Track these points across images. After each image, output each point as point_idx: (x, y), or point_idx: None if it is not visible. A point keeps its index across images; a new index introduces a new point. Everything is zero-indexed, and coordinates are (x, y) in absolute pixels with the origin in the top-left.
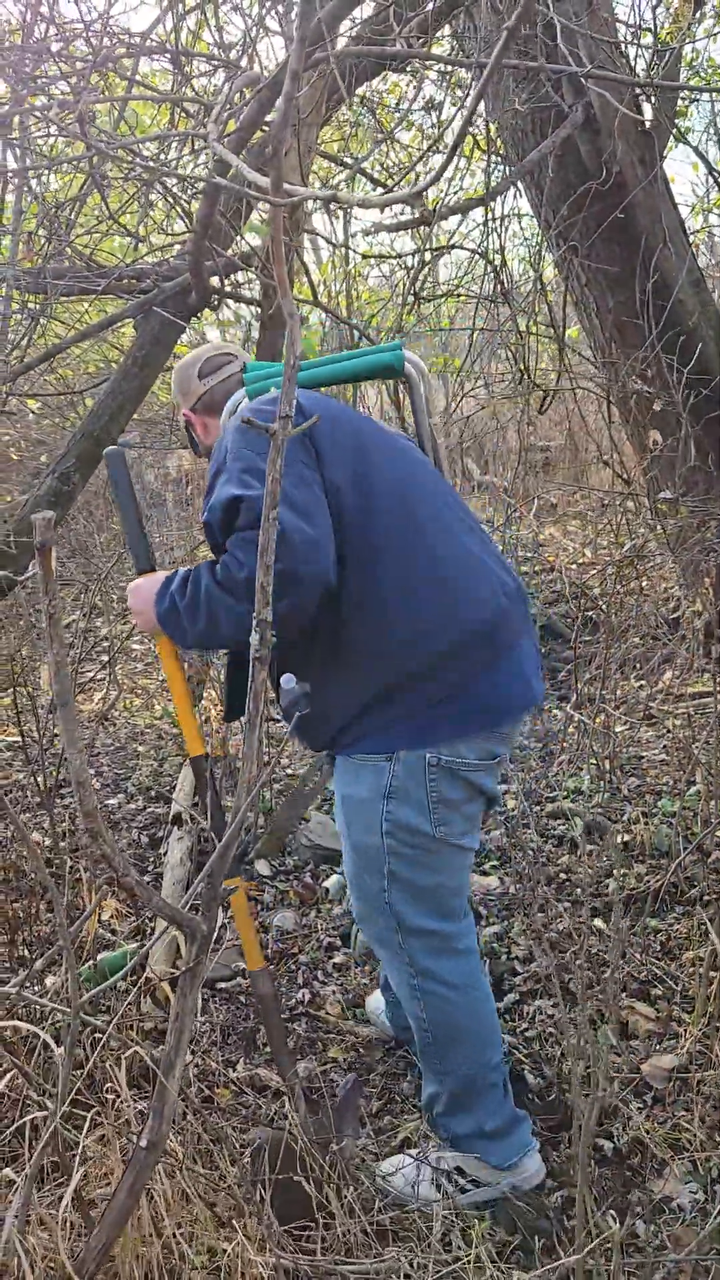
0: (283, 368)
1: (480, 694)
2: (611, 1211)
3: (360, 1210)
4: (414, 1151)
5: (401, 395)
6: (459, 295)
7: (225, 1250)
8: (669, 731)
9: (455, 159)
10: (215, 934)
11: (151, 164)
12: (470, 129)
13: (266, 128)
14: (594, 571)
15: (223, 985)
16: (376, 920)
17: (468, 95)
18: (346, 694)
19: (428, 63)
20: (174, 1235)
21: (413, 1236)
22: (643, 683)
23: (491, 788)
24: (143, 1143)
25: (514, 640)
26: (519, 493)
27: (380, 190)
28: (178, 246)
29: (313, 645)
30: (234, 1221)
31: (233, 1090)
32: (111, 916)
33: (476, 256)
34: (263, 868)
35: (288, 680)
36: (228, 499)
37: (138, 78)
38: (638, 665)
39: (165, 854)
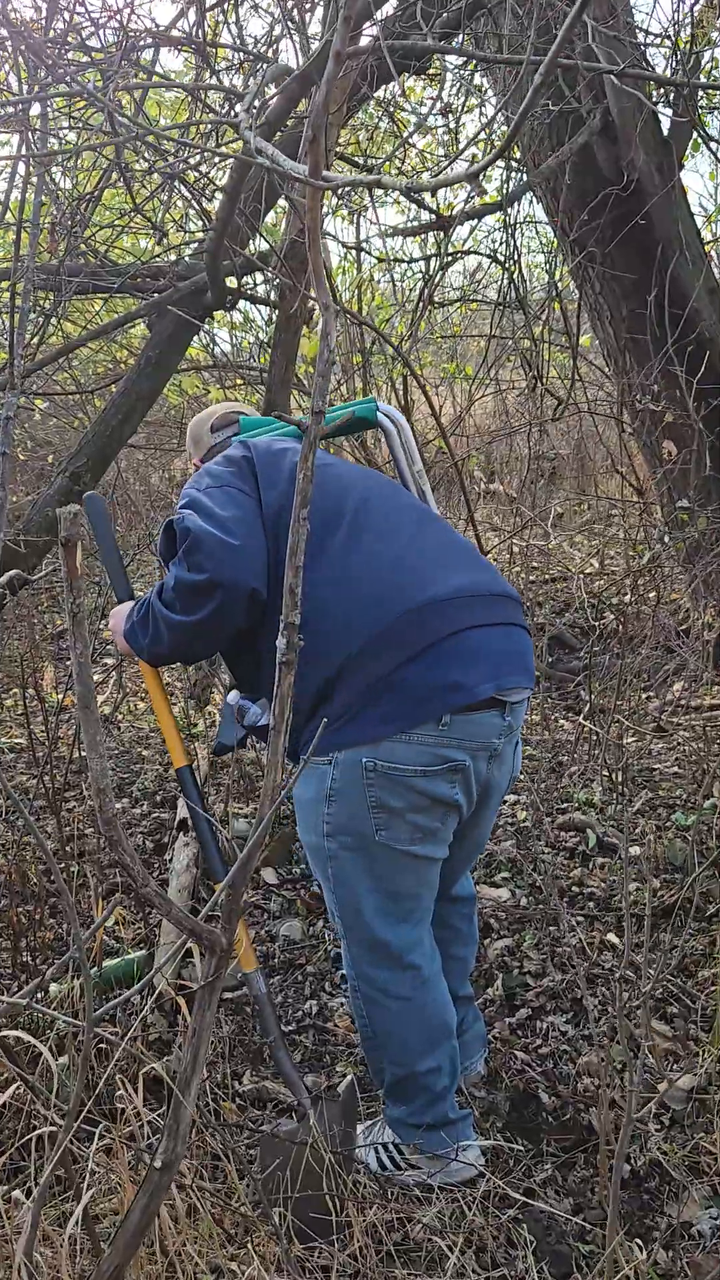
0: (275, 423)
1: (408, 690)
2: (637, 1240)
3: (383, 1230)
4: (375, 1121)
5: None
6: (473, 301)
7: (234, 1270)
8: (680, 744)
9: (509, 148)
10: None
11: (172, 156)
12: (496, 120)
13: (289, 124)
14: (602, 581)
15: (229, 996)
16: (338, 920)
17: (484, 99)
18: (314, 665)
19: (447, 67)
20: (180, 1253)
21: (423, 1259)
22: (651, 694)
23: (447, 794)
24: (156, 1163)
25: (468, 624)
26: (528, 501)
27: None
28: (194, 246)
29: (262, 659)
30: (246, 1240)
31: (240, 1104)
32: (116, 923)
33: (490, 262)
34: (269, 876)
35: (233, 698)
36: (164, 526)
37: (158, 73)
38: (647, 677)
39: (170, 860)
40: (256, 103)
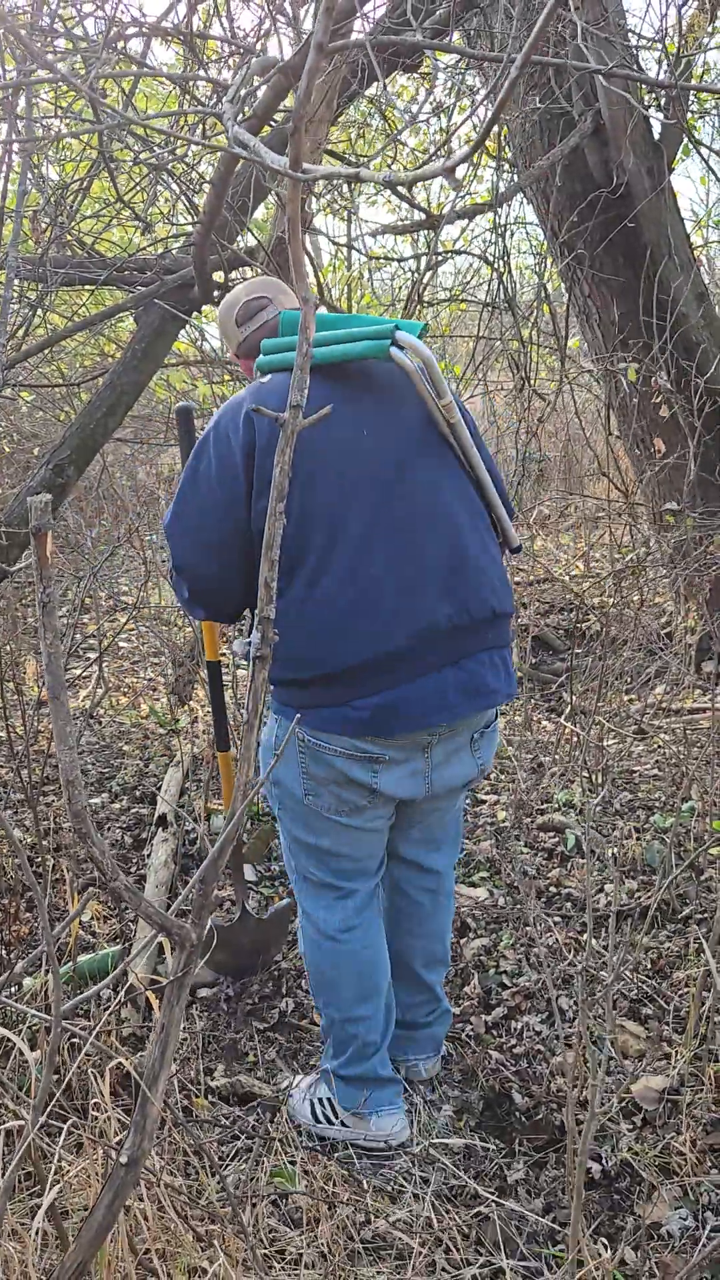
0: (323, 319)
1: (353, 714)
2: (603, 1239)
3: (353, 1227)
4: (308, 1077)
5: None
6: (462, 300)
7: (205, 1268)
8: (660, 747)
9: (485, 140)
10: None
11: (159, 147)
12: (498, 121)
13: (278, 119)
14: (588, 583)
15: (204, 993)
16: (285, 854)
17: (481, 98)
18: (274, 666)
19: (439, 66)
20: (150, 1251)
21: (393, 1256)
22: (633, 696)
23: (365, 779)
24: (123, 1159)
25: (412, 675)
26: (514, 502)
27: (390, 193)
28: (181, 239)
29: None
30: (214, 1239)
31: (212, 1101)
32: (92, 918)
33: (480, 262)
34: (249, 873)
35: (239, 646)
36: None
37: (143, 64)
38: (629, 679)
39: (149, 855)
40: (243, 93)
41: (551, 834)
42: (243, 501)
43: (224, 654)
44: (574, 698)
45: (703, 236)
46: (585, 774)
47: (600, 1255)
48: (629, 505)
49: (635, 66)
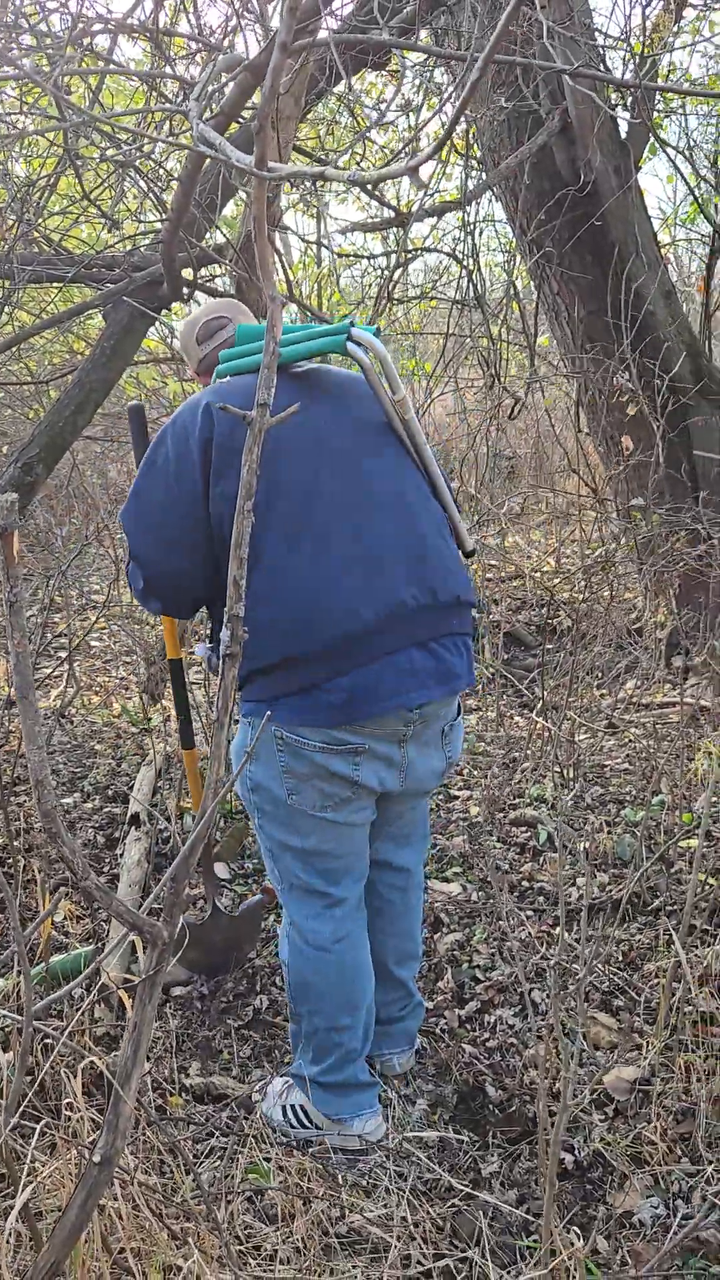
0: (261, 338)
1: (324, 698)
2: (575, 1228)
3: (328, 1221)
4: (281, 1080)
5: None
6: (432, 298)
7: (180, 1266)
8: (630, 741)
9: (450, 140)
10: (175, 940)
11: (126, 145)
12: (460, 119)
13: (247, 115)
14: (559, 580)
15: (178, 991)
16: (268, 863)
17: (446, 95)
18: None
19: (406, 64)
20: (125, 1250)
21: (367, 1250)
22: (604, 691)
23: (347, 772)
24: (95, 1158)
25: (381, 653)
26: (486, 499)
27: (361, 192)
28: (150, 236)
29: (213, 612)
30: (188, 1236)
31: (186, 1099)
32: (65, 919)
33: (450, 260)
34: (221, 871)
35: (200, 650)
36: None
37: (110, 60)
38: (600, 674)
39: (122, 855)
40: (210, 90)
41: (524, 829)
42: (200, 493)
43: (191, 653)
44: (545, 693)
45: (670, 235)
46: (557, 769)
47: (573, 1245)
48: (598, 502)
49: (601, 66)
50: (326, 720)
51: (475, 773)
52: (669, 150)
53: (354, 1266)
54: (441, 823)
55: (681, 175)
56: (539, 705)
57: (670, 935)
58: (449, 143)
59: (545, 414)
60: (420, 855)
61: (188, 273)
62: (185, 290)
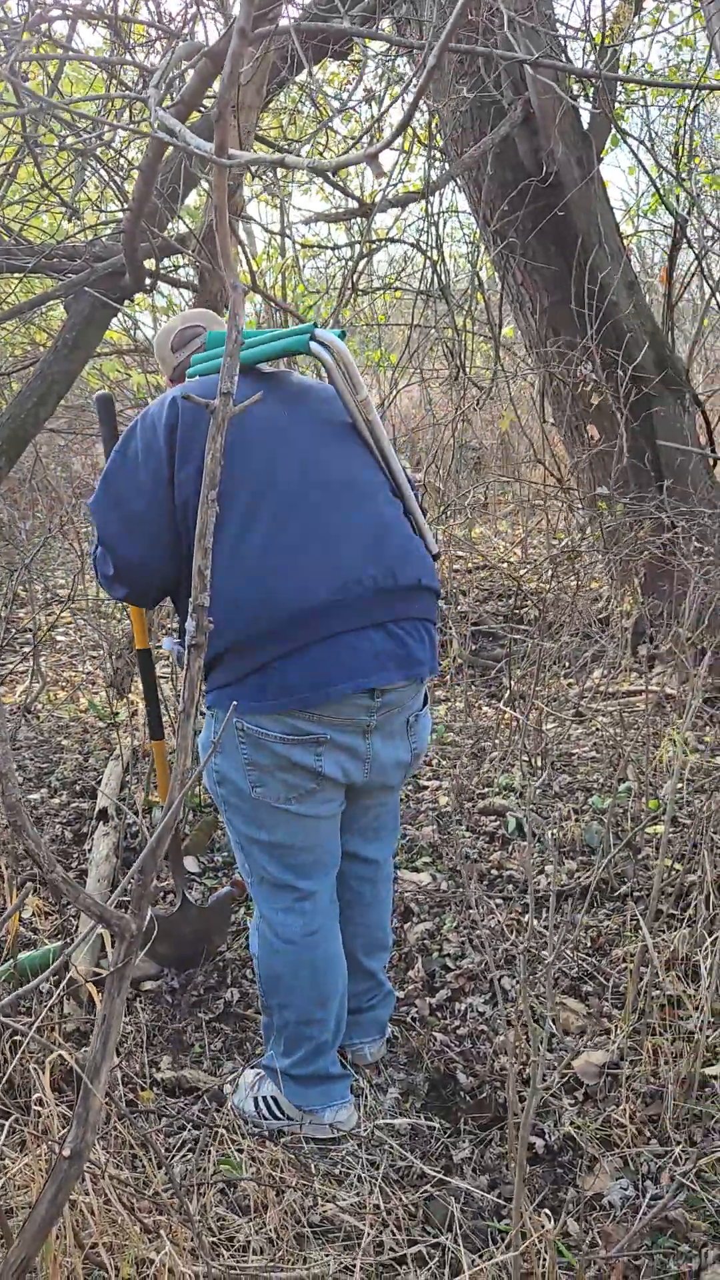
0: (247, 335)
1: (280, 678)
2: (546, 1211)
3: (301, 1211)
4: (252, 1072)
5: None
6: (397, 289)
7: (153, 1259)
8: (598, 729)
9: (408, 127)
10: (144, 933)
11: (86, 133)
12: (419, 108)
13: (208, 104)
14: (525, 570)
15: (149, 985)
16: (238, 857)
17: (406, 83)
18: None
19: (368, 53)
20: (98, 1245)
21: (340, 1238)
22: (571, 680)
23: (310, 763)
24: (65, 1152)
25: (336, 631)
26: (453, 490)
27: (324, 184)
28: (111, 226)
29: (178, 605)
30: (160, 1229)
31: (158, 1093)
32: (33, 914)
33: (414, 252)
34: (191, 864)
35: (167, 644)
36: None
37: (72, 49)
38: (568, 664)
39: (90, 850)
40: (171, 74)
41: (492, 818)
42: (166, 480)
43: (158, 646)
44: (513, 683)
45: (633, 226)
46: (525, 758)
47: (544, 1227)
48: (564, 492)
49: (562, 56)
50: (284, 704)
51: (444, 762)
52: (630, 141)
53: (327, 1255)
54: (411, 813)
55: (643, 167)
56: (506, 695)
57: (639, 919)
58: (412, 134)
59: (510, 405)
60: (390, 848)
61: (151, 263)
62: (148, 281)
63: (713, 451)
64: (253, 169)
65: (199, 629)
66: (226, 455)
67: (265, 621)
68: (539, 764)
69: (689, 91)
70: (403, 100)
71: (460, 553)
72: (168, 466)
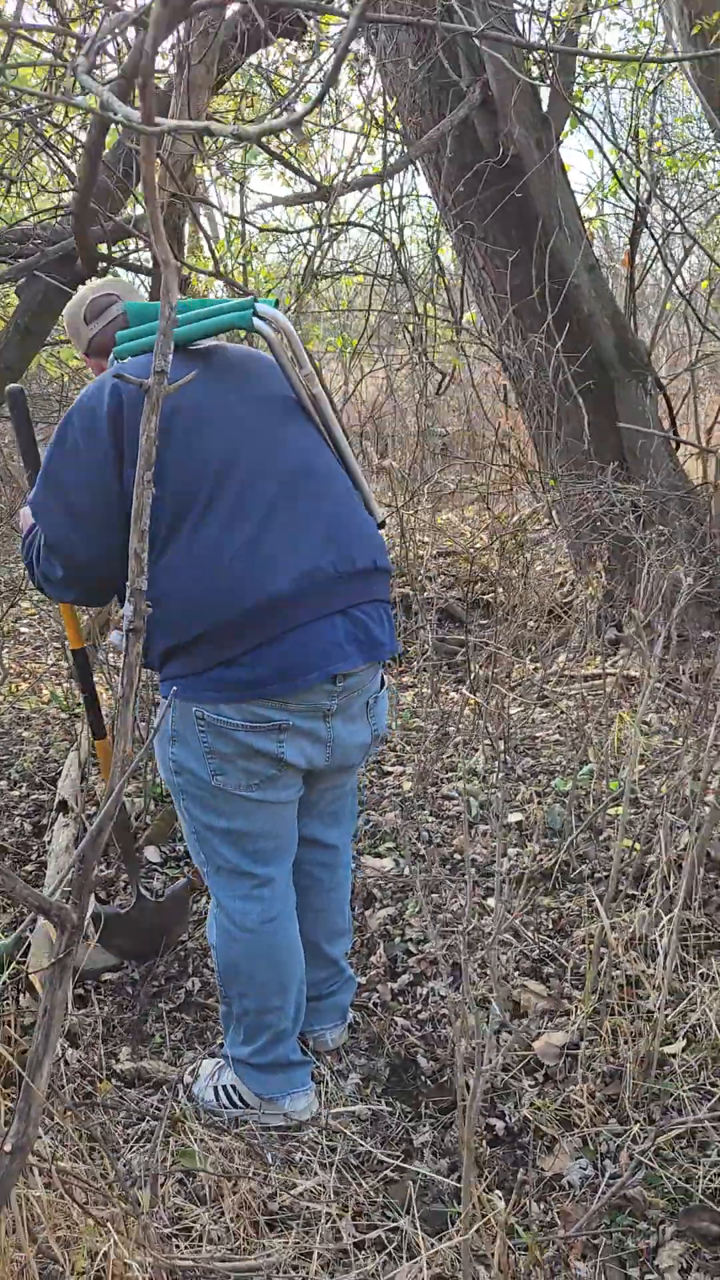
0: (155, 316)
1: (247, 671)
2: (497, 1191)
3: (260, 1201)
4: (212, 1061)
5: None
6: (359, 274)
7: (105, 1252)
8: (563, 712)
9: (332, 88)
10: (86, 922)
11: (25, 106)
12: (349, 60)
13: (162, 84)
14: (486, 554)
15: (109, 977)
16: (192, 846)
17: (362, 65)
18: (160, 632)
19: (317, 34)
20: (50, 1239)
21: (299, 1225)
22: (538, 665)
23: (272, 750)
24: (7, 1147)
25: (302, 621)
26: (418, 476)
27: (293, 175)
28: (62, 210)
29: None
30: (109, 1222)
31: (117, 1084)
32: None
33: (376, 237)
34: (152, 854)
35: (115, 637)
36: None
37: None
38: (532, 647)
39: (50, 842)
40: (105, 43)
41: (455, 802)
42: (112, 465)
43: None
44: (478, 667)
45: (596, 209)
46: (488, 742)
47: (496, 1207)
48: (526, 476)
49: (515, 32)
50: (249, 695)
51: (409, 748)
52: (587, 125)
53: (285, 1243)
54: (374, 799)
55: (601, 150)
56: (470, 679)
57: (596, 902)
58: (370, 117)
59: (473, 388)
60: (349, 832)
61: (102, 247)
62: (101, 264)
63: (674, 434)
64: (207, 152)
65: (136, 613)
66: (180, 444)
67: (225, 615)
68: (502, 748)
69: (648, 74)
70: (356, 77)
71: (425, 539)
72: (114, 454)
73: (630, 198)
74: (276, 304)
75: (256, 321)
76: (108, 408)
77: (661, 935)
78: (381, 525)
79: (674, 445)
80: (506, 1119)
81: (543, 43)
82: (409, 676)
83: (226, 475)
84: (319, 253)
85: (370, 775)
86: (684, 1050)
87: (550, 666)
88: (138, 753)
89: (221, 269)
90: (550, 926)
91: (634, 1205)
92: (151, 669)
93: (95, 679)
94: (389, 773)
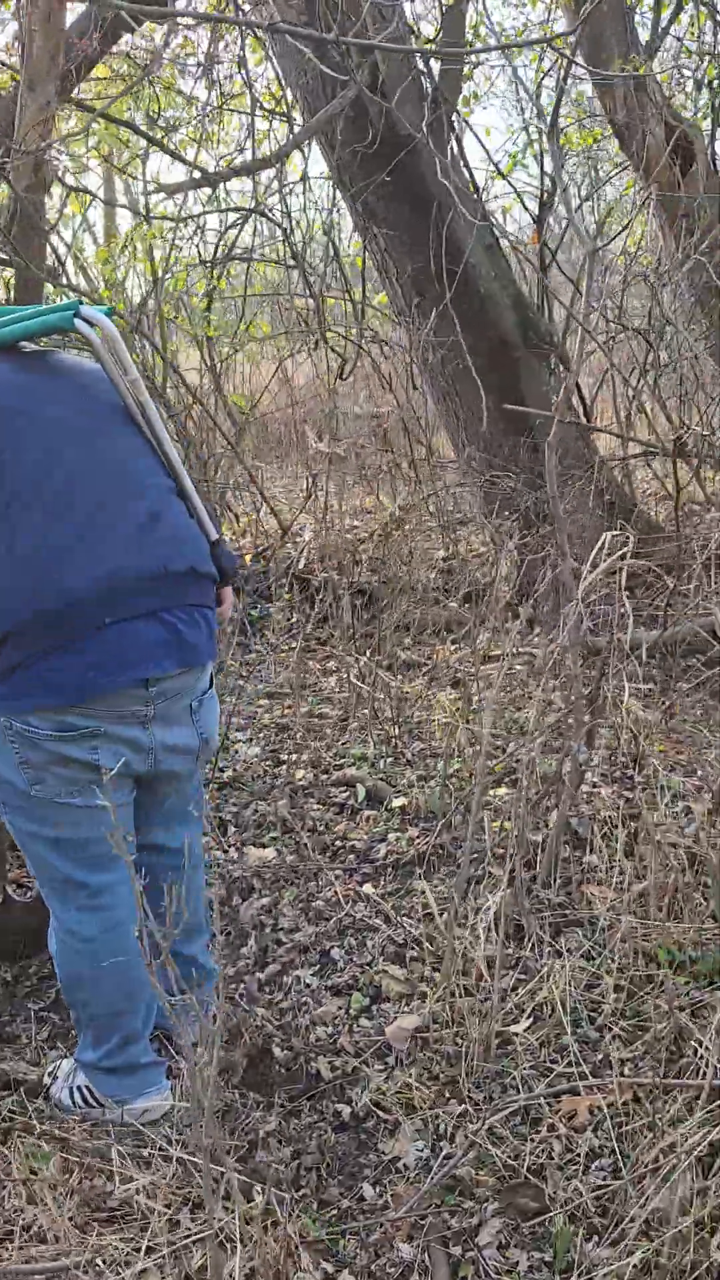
0: (16, 310)
1: (46, 675)
2: (341, 1176)
3: (92, 1199)
4: (68, 1062)
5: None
6: (257, 261)
7: None
8: (476, 696)
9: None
10: None
11: None
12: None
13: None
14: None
15: None
16: (27, 860)
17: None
18: None
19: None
20: None
21: (137, 1219)
22: (455, 648)
23: (86, 757)
24: None
25: (104, 623)
26: (353, 460)
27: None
28: None
29: None
30: None
31: None
32: None
33: (283, 219)
34: None
35: None
36: None
37: None
38: (451, 629)
39: None
40: None
41: (343, 789)
42: None
43: None
44: (367, 654)
45: (511, 186)
46: (379, 727)
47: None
48: (429, 457)
49: (407, 26)
50: (56, 700)
51: (309, 736)
52: (493, 102)
53: (122, 1239)
54: (265, 787)
55: (499, 128)
56: (362, 661)
57: (469, 886)
58: (259, 102)
59: (375, 373)
60: (195, 831)
61: None
62: None
63: (586, 413)
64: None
65: None
66: (4, 443)
67: (26, 617)
68: (394, 733)
69: (548, 53)
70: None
71: (356, 523)
72: None
73: (534, 175)
74: (111, 312)
75: (78, 323)
76: None
77: (521, 916)
78: (216, 544)
79: (584, 422)
80: (353, 1104)
81: (431, 49)
82: (334, 661)
83: (45, 478)
84: (230, 242)
85: (264, 764)
86: (527, 1029)
87: (462, 648)
88: None
89: (66, 273)
90: (420, 911)
91: (463, 1185)
92: None
93: None
94: (283, 762)
